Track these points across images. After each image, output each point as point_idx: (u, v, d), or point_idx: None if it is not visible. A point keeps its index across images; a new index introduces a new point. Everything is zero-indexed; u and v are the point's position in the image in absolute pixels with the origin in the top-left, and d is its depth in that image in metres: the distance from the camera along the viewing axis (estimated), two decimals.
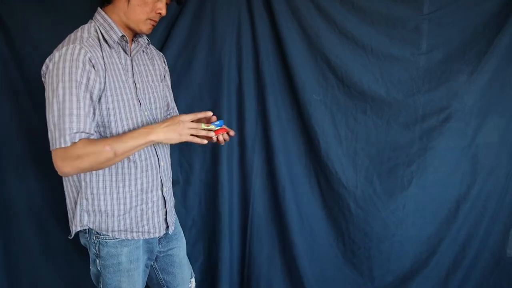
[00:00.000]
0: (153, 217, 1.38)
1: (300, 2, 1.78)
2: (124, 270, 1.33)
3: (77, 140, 1.14)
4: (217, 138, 1.36)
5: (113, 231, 1.31)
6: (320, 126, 1.86)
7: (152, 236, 1.38)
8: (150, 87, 1.40)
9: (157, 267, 1.51)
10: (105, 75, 1.23)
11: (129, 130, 1.27)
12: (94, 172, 1.26)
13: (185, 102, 1.83)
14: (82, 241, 1.37)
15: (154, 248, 1.43)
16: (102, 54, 1.24)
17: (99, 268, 1.33)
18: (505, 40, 1.80)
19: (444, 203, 1.95)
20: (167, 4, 1.34)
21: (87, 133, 1.17)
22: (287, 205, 1.91)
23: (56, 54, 1.18)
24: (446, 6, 1.80)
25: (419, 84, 1.86)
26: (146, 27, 1.32)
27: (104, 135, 1.25)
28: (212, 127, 1.32)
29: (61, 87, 1.14)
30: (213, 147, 1.87)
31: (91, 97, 1.18)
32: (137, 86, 1.34)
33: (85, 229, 1.32)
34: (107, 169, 1.27)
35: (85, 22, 1.31)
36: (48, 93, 1.16)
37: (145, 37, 1.42)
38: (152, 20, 1.32)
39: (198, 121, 1.33)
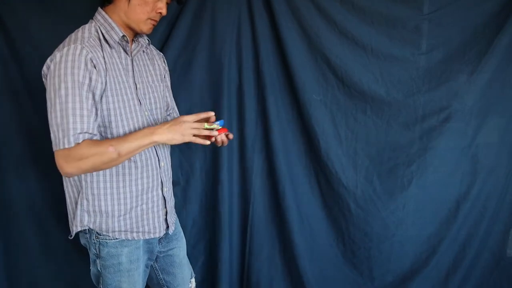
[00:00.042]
0: (154, 217, 1.38)
1: (300, 2, 1.78)
2: (124, 270, 1.32)
3: (80, 141, 1.14)
4: (215, 138, 1.36)
5: (113, 231, 1.31)
6: (320, 126, 1.86)
7: (152, 236, 1.38)
8: (150, 87, 1.40)
9: (157, 267, 1.51)
10: (106, 75, 1.23)
11: (130, 131, 1.27)
12: (94, 173, 1.26)
13: (185, 102, 1.83)
14: (82, 241, 1.37)
15: (154, 248, 1.43)
16: (103, 54, 1.24)
17: (99, 269, 1.33)
18: (505, 40, 1.80)
19: (444, 203, 1.95)
20: (167, 3, 1.34)
21: (90, 133, 1.17)
22: (287, 205, 1.91)
23: (57, 54, 1.17)
24: (446, 6, 1.80)
25: (419, 84, 1.86)
26: (146, 27, 1.32)
27: (104, 135, 1.25)
28: (215, 126, 1.31)
29: (64, 88, 1.14)
30: (214, 147, 1.87)
31: (93, 97, 1.18)
32: (138, 86, 1.34)
33: (85, 230, 1.32)
34: (107, 170, 1.27)
35: (85, 22, 1.31)
36: (50, 94, 1.16)
37: (145, 37, 1.42)
38: (153, 19, 1.32)
39: (200, 121, 1.33)
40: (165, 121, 1.37)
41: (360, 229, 1.94)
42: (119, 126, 1.26)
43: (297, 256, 1.95)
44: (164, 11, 1.31)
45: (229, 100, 1.85)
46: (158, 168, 1.37)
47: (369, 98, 1.86)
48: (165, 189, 1.40)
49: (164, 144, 1.40)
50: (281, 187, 1.90)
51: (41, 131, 1.67)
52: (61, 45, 1.21)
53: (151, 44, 1.49)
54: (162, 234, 1.42)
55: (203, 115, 1.30)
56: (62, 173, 1.18)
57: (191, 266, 1.62)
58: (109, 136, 1.25)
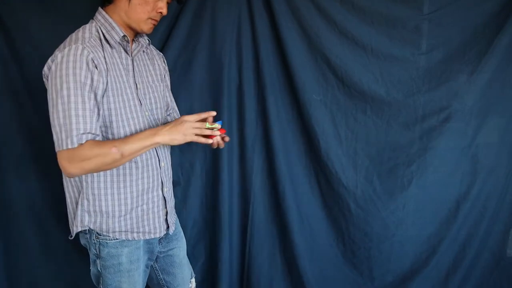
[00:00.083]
0: (154, 218, 1.38)
1: (300, 2, 1.78)
2: (124, 270, 1.32)
3: (84, 141, 1.14)
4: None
5: (114, 231, 1.31)
6: (320, 126, 1.86)
7: (152, 236, 1.38)
8: (151, 87, 1.40)
9: (157, 267, 1.51)
10: (107, 76, 1.23)
11: (131, 131, 1.28)
12: (95, 173, 1.26)
13: (185, 102, 1.82)
14: (82, 241, 1.37)
15: (154, 249, 1.43)
16: (104, 54, 1.24)
17: (99, 269, 1.33)
18: (505, 40, 1.80)
19: (444, 203, 1.95)
20: (168, 3, 1.33)
21: (93, 134, 1.17)
22: (287, 205, 1.91)
23: (58, 55, 1.17)
24: (446, 6, 1.80)
25: (419, 84, 1.86)
26: (147, 27, 1.32)
27: (105, 136, 1.25)
28: (216, 125, 1.31)
29: (66, 88, 1.14)
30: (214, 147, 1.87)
31: (95, 98, 1.18)
32: (138, 86, 1.34)
33: (85, 230, 1.32)
34: (108, 170, 1.27)
35: (86, 22, 1.30)
36: (52, 94, 1.16)
37: (145, 37, 1.42)
38: (153, 19, 1.32)
39: (201, 121, 1.33)
40: (167, 122, 1.37)
41: (360, 229, 1.94)
42: (119, 126, 1.26)
43: (297, 256, 1.94)
44: (164, 11, 1.31)
45: (229, 100, 1.85)
46: (159, 168, 1.37)
47: (369, 98, 1.86)
48: (165, 189, 1.40)
49: (164, 144, 1.40)
50: (281, 187, 1.90)
51: (41, 131, 1.68)
52: (61, 45, 1.21)
53: (151, 43, 1.49)
54: (162, 234, 1.42)
55: (205, 114, 1.30)
56: (65, 174, 1.18)
57: (191, 266, 1.62)
58: (110, 136, 1.25)
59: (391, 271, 1.99)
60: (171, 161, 1.50)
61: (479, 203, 1.94)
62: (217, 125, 1.32)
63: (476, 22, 1.81)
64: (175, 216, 1.54)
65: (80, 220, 1.30)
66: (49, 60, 1.19)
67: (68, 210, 1.36)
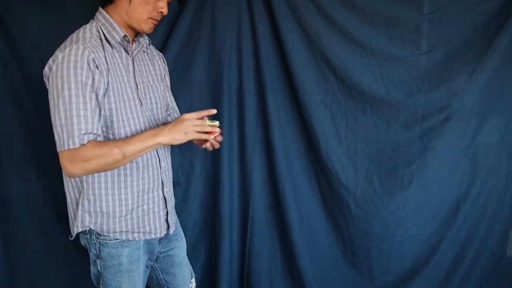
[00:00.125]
0: (154, 218, 1.38)
1: (300, 2, 1.78)
2: (124, 270, 1.32)
3: (85, 141, 1.14)
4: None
5: (114, 232, 1.31)
6: (320, 126, 1.86)
7: (153, 236, 1.38)
8: (151, 87, 1.40)
9: (157, 267, 1.51)
10: (108, 76, 1.22)
11: (131, 131, 1.28)
12: (96, 173, 1.26)
13: (186, 102, 1.82)
14: (83, 241, 1.37)
15: (154, 249, 1.43)
16: (105, 54, 1.24)
17: (99, 269, 1.33)
18: (505, 40, 1.80)
19: (444, 203, 1.95)
20: (168, 3, 1.33)
21: (95, 134, 1.17)
22: (287, 205, 1.91)
23: (59, 55, 1.17)
24: (446, 6, 1.81)
25: (419, 84, 1.86)
26: (147, 27, 1.32)
27: (106, 136, 1.25)
28: (216, 123, 1.31)
29: (67, 88, 1.14)
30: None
31: (96, 98, 1.18)
32: (138, 86, 1.34)
33: (85, 230, 1.32)
34: (109, 171, 1.27)
35: (86, 22, 1.30)
36: (53, 95, 1.16)
37: (146, 37, 1.42)
38: (154, 19, 1.32)
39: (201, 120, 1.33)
40: (167, 122, 1.37)
41: (360, 229, 1.94)
42: (120, 126, 1.26)
43: (297, 256, 1.95)
44: (165, 11, 1.31)
45: (229, 100, 1.85)
46: (159, 168, 1.37)
47: (369, 98, 1.86)
48: (165, 189, 1.40)
49: (166, 144, 1.40)
50: (281, 187, 1.90)
51: (41, 131, 1.68)
52: (62, 45, 1.21)
53: (151, 43, 1.49)
54: (163, 234, 1.42)
55: (205, 112, 1.30)
56: (66, 174, 1.18)
57: (191, 266, 1.62)
58: (110, 136, 1.25)
59: (391, 271, 2.00)
60: (171, 161, 1.50)
61: (479, 203, 1.95)
62: (217, 122, 1.32)
63: (476, 22, 1.81)
64: (175, 216, 1.54)
65: (81, 221, 1.30)
66: (50, 60, 1.19)
67: (68, 210, 1.36)
